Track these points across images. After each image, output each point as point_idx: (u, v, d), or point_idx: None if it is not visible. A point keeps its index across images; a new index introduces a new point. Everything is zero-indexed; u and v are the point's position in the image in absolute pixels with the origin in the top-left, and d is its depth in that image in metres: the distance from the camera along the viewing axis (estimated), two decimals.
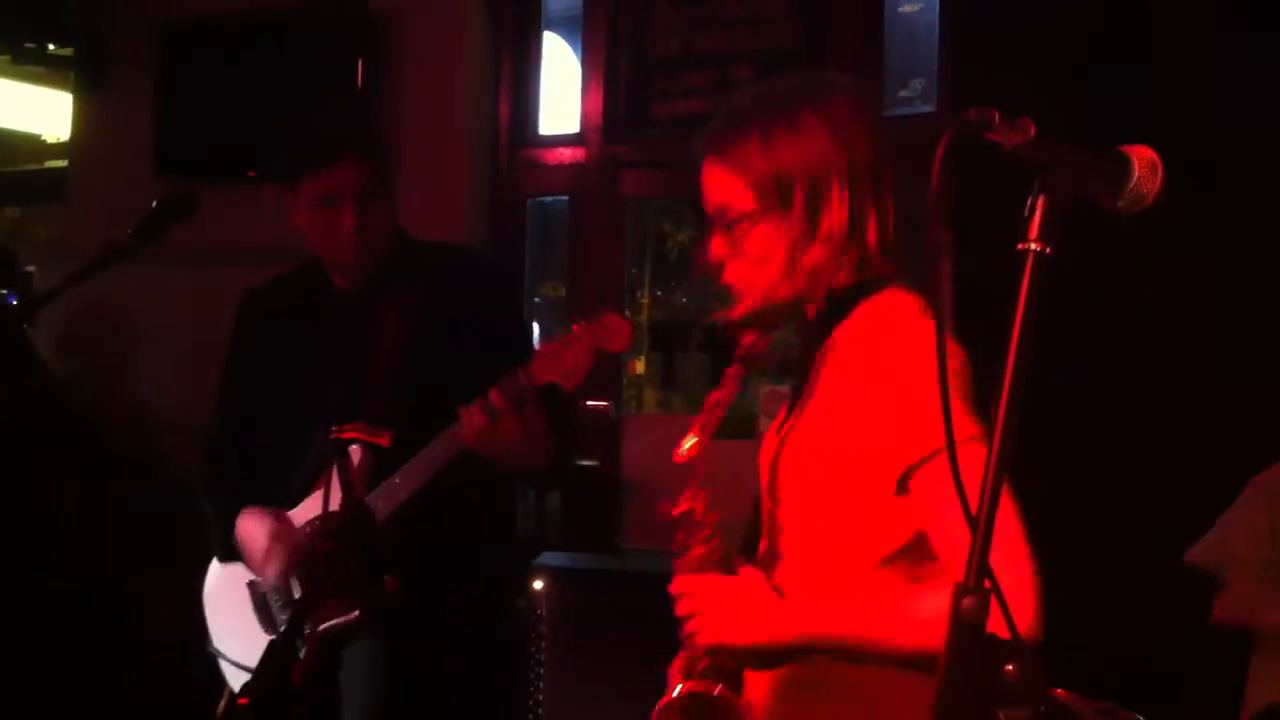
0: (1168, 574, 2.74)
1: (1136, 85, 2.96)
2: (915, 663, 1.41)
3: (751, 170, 1.59)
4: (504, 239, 3.95)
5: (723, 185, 1.62)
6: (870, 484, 1.51)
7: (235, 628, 2.39)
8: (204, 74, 4.08)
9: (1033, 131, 1.06)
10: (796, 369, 1.68)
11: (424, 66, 3.90)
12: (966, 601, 1.03)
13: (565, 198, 3.98)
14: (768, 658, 1.56)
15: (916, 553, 1.51)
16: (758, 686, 1.61)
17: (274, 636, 2.29)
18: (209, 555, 2.50)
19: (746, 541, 1.69)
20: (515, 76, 3.98)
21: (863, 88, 1.79)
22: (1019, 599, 1.32)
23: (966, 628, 1.02)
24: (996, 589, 1.02)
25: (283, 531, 2.27)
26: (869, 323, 1.57)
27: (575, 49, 4.06)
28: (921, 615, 1.42)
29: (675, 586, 1.59)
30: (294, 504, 2.36)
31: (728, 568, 1.60)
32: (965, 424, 1.40)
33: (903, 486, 1.48)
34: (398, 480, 2.21)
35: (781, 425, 1.67)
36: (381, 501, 2.19)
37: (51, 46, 4.50)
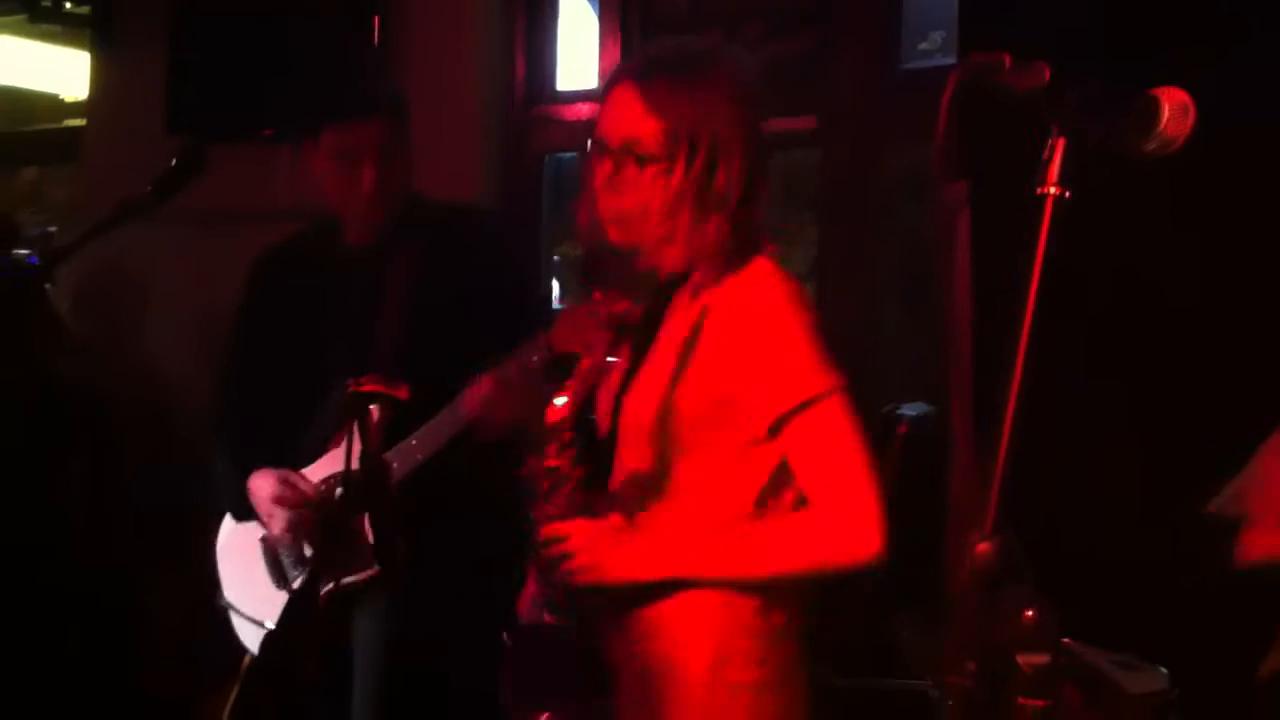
0: (1189, 525, 2.73)
1: (1168, 39, 2.91)
2: (764, 588, 1.65)
3: (668, 116, 1.63)
4: (520, 196, 3.94)
5: (634, 119, 1.65)
6: (738, 431, 1.65)
7: (247, 582, 2.41)
8: (216, 32, 4.05)
9: (1047, 75, 1.04)
10: (639, 322, 1.76)
11: (438, 22, 3.87)
12: (980, 548, 1.03)
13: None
14: (636, 593, 1.67)
15: (769, 492, 1.68)
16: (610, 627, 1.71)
17: (286, 591, 2.31)
18: (218, 513, 2.52)
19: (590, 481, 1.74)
20: (530, 32, 3.95)
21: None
22: (867, 523, 1.60)
23: (980, 574, 1.02)
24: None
25: (292, 488, 2.28)
26: (742, 289, 1.66)
27: (593, 5, 4.02)
28: (771, 545, 1.64)
29: (549, 531, 1.67)
30: (309, 460, 2.37)
31: (591, 514, 1.69)
32: (832, 375, 1.62)
33: (773, 433, 1.64)
34: (414, 442, 2.22)
35: (626, 375, 1.75)
36: (398, 462, 2.20)
37: (68, 5, 4.48)
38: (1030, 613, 1.04)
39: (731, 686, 1.65)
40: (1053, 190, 1.00)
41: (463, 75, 3.87)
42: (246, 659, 2.79)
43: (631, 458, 1.71)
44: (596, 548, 1.65)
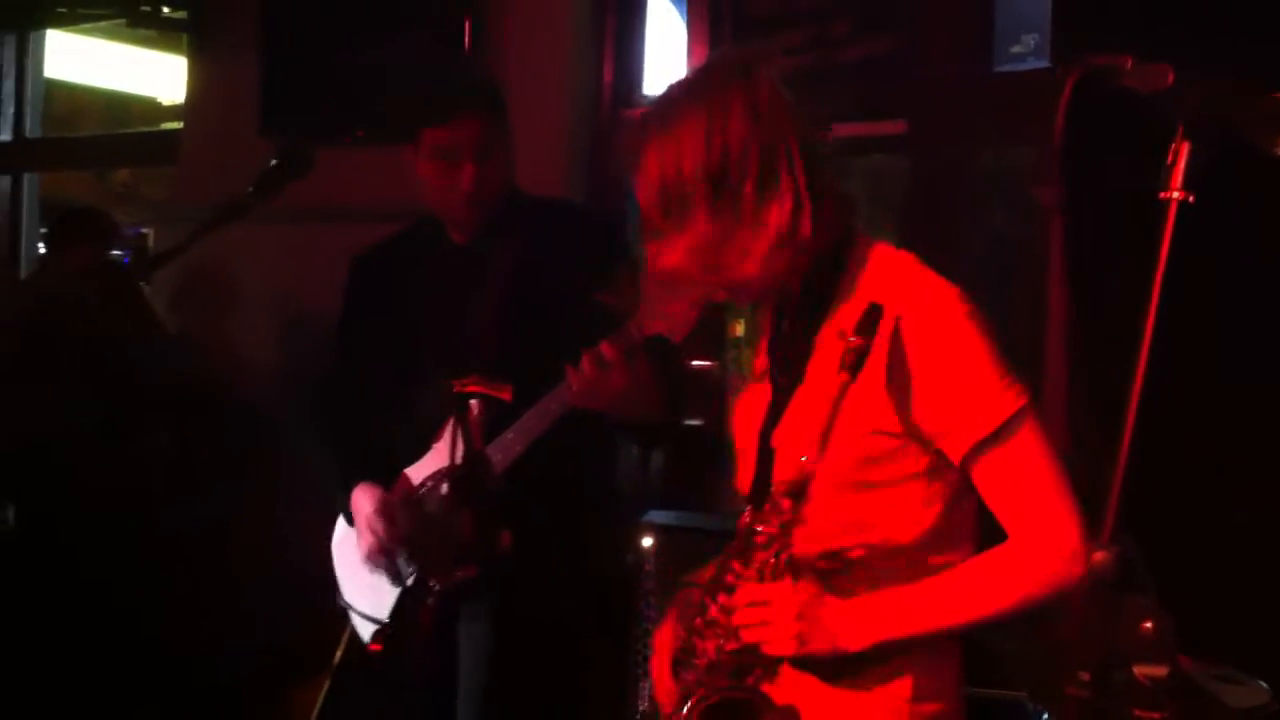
0: None
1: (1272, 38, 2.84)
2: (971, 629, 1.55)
3: (653, 177, 1.55)
4: (607, 197, 3.95)
5: (642, 192, 1.58)
6: (917, 460, 1.56)
7: (363, 581, 2.44)
8: (308, 33, 4.12)
9: (1170, 78, 1.03)
10: (782, 342, 1.65)
11: (528, 25, 3.90)
12: (1098, 557, 1.02)
13: None
14: (837, 663, 1.55)
15: (943, 532, 1.58)
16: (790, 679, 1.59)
17: (400, 588, 2.35)
18: (309, 498, 2.57)
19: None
20: (619, 35, 3.97)
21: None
22: (1073, 549, 1.44)
23: (1099, 584, 1.01)
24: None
25: (386, 516, 2.31)
26: (918, 304, 1.55)
27: (680, 9, 4.03)
28: (980, 587, 1.53)
29: (746, 595, 1.54)
30: (410, 459, 2.40)
31: (791, 574, 1.55)
32: (1018, 392, 1.53)
33: (967, 462, 1.54)
34: (511, 435, 2.24)
35: (775, 406, 1.63)
36: (498, 455, 2.23)
37: (166, 9, 4.58)
38: (1149, 624, 1.02)
39: None
40: (1176, 195, 0.99)
41: (552, 78, 3.90)
42: (339, 651, 2.84)
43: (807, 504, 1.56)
44: (805, 616, 1.52)
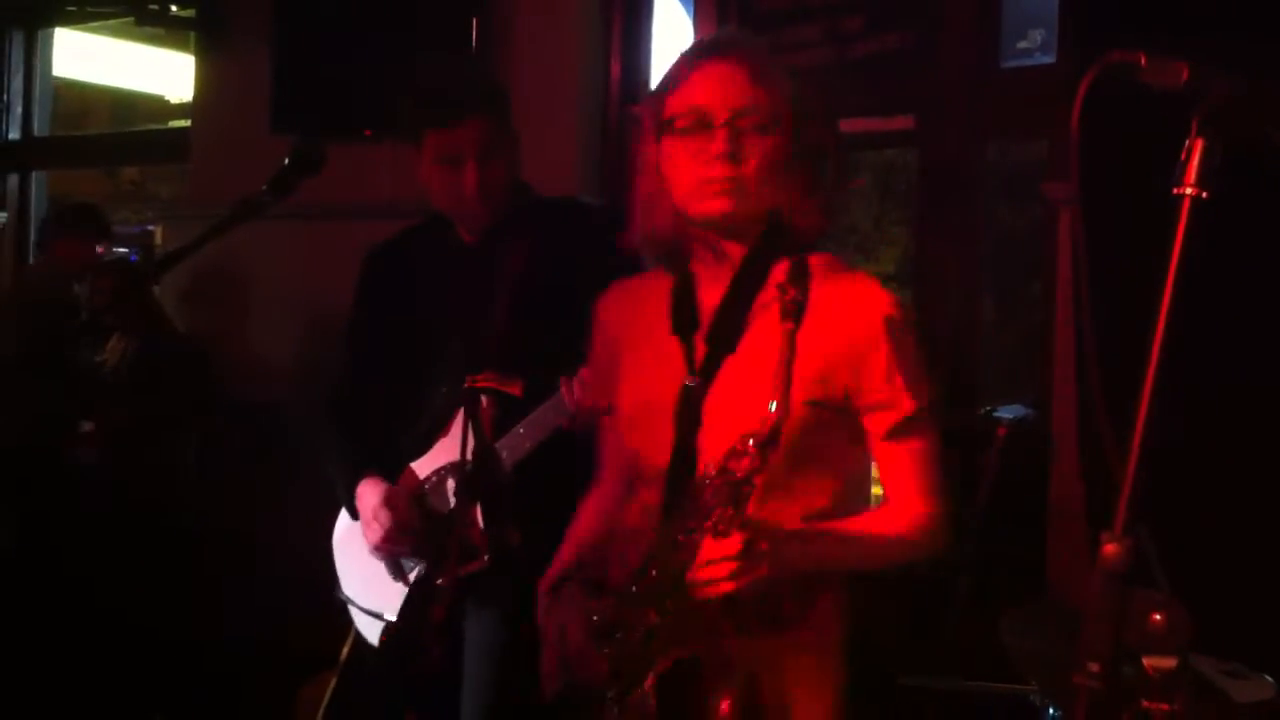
0: None
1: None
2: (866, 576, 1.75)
3: (773, 85, 1.70)
4: (614, 195, 3.96)
5: (741, 90, 1.69)
6: (845, 429, 1.71)
7: (364, 576, 2.45)
8: (318, 31, 4.13)
9: (1185, 75, 1.03)
10: (719, 315, 1.74)
11: (535, 23, 3.91)
12: (1109, 548, 1.03)
13: None
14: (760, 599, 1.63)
15: (847, 499, 1.75)
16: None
17: (403, 584, 2.35)
18: (329, 507, 2.57)
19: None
20: (626, 32, 3.98)
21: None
22: (938, 524, 1.73)
23: (1110, 575, 1.01)
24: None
25: (393, 507, 2.32)
26: (852, 294, 1.71)
27: (686, 6, 4.04)
28: (880, 540, 1.73)
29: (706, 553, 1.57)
30: (417, 454, 2.41)
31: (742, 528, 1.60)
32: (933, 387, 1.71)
33: (886, 437, 1.72)
34: (521, 430, 2.25)
35: (704, 359, 1.72)
36: (506, 451, 2.24)
37: (174, 8, 4.59)
38: (1158, 616, 1.03)
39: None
40: (1189, 191, 0.99)
41: (559, 76, 3.91)
42: (345, 648, 2.84)
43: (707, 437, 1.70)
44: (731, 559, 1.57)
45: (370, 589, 2.42)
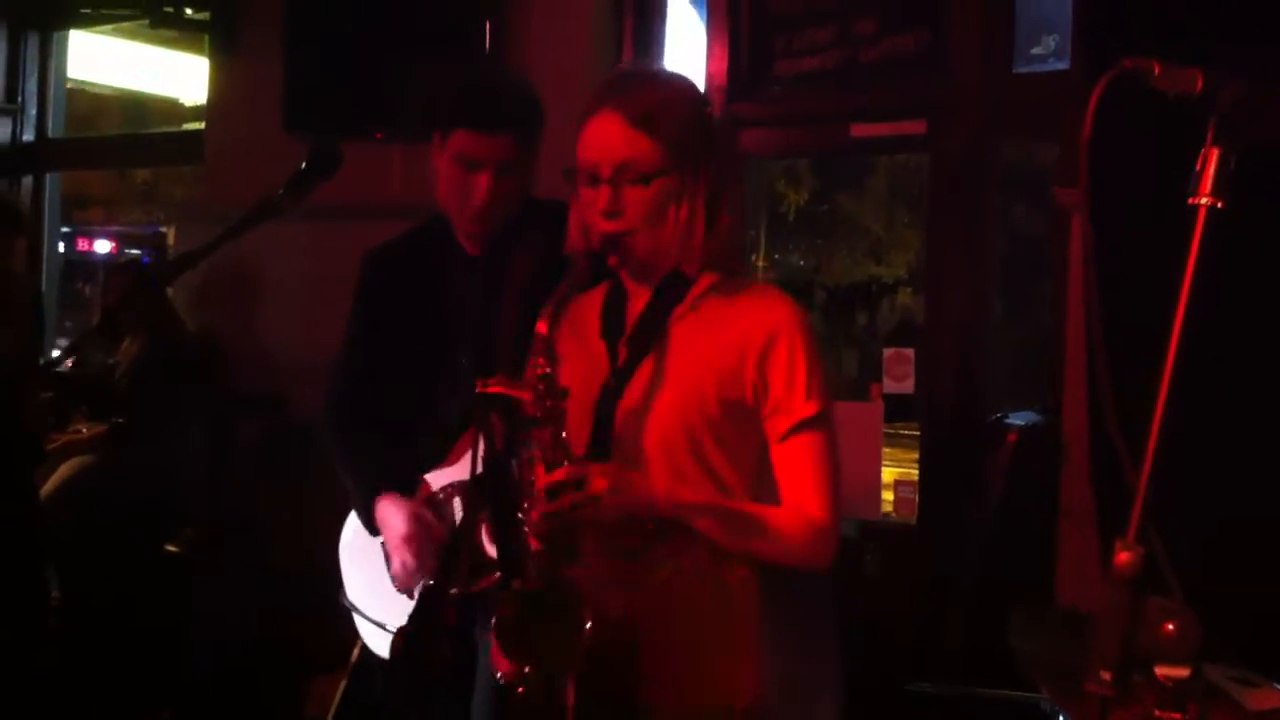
0: None
1: None
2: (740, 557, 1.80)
3: (657, 131, 1.76)
4: None
5: (625, 142, 1.77)
6: (746, 434, 1.81)
7: (370, 584, 2.43)
8: (331, 31, 4.14)
9: (1200, 83, 1.03)
10: (639, 325, 1.86)
11: (547, 26, 3.91)
12: (1121, 557, 1.02)
13: None
14: (641, 528, 1.75)
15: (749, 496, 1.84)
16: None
17: (408, 596, 2.33)
18: (336, 512, 2.55)
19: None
20: (638, 36, 3.98)
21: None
22: (827, 533, 1.80)
23: (1123, 583, 1.01)
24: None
25: (423, 532, 2.30)
26: (762, 304, 1.83)
27: (699, 8, 4.04)
28: (765, 525, 1.79)
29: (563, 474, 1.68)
30: (429, 465, 2.39)
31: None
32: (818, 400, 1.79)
33: (781, 440, 1.81)
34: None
35: (623, 367, 1.84)
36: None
37: (188, 11, 4.61)
38: (1171, 625, 1.03)
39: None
40: (1205, 200, 0.99)
41: (570, 77, 3.90)
42: (355, 651, 2.84)
43: (642, 454, 1.79)
44: (620, 484, 1.70)
45: (376, 597, 2.40)
